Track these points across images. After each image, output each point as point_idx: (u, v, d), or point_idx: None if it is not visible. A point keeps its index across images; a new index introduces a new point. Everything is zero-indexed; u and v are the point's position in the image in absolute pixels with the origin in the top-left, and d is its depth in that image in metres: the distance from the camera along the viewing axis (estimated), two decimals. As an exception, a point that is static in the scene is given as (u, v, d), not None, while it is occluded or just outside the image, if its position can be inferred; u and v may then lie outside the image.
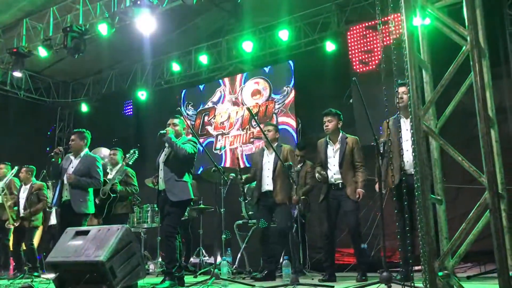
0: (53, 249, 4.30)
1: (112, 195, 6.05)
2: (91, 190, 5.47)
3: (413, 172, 2.32)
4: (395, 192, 4.23)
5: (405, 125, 4.21)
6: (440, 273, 2.16)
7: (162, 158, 4.87)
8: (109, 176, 6.25)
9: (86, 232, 4.25)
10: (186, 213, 6.52)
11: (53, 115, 12.00)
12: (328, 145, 5.09)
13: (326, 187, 5.01)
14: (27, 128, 10.77)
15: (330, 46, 8.29)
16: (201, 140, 9.86)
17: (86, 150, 5.61)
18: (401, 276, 4.07)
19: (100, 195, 5.90)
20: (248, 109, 5.29)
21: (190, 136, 5.01)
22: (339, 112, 5.15)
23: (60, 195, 5.37)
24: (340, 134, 5.10)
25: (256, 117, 6.10)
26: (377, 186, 4.13)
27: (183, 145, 4.69)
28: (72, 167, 5.41)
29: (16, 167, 7.52)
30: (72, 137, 5.60)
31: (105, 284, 3.83)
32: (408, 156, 3.88)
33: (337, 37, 8.34)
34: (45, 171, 8.38)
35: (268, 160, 5.52)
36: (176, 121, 4.96)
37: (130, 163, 6.13)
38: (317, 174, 4.97)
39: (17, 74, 9.27)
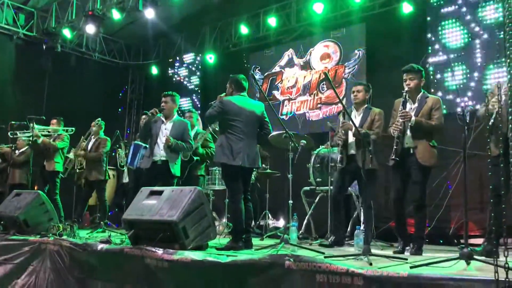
0: (128, 207, 4.47)
1: (194, 158, 6.12)
2: (180, 154, 5.61)
3: None
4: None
5: None
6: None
7: None
8: None
9: (160, 192, 4.37)
10: (253, 177, 6.53)
11: (124, 77, 12.38)
12: (407, 104, 4.51)
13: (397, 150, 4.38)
14: (100, 89, 11.14)
15: (407, 8, 7.82)
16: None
17: (176, 114, 5.68)
18: (484, 251, 3.76)
19: (182, 158, 5.93)
20: (325, 74, 5.02)
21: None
22: (421, 68, 4.60)
23: (151, 156, 5.50)
24: (421, 93, 4.57)
25: (330, 82, 5.90)
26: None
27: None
28: (166, 130, 5.50)
29: (73, 128, 7.60)
30: (165, 99, 5.56)
31: (178, 243, 3.94)
32: None
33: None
34: (118, 132, 8.69)
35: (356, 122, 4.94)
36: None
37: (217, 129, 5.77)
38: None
39: (90, 30, 9.12)
